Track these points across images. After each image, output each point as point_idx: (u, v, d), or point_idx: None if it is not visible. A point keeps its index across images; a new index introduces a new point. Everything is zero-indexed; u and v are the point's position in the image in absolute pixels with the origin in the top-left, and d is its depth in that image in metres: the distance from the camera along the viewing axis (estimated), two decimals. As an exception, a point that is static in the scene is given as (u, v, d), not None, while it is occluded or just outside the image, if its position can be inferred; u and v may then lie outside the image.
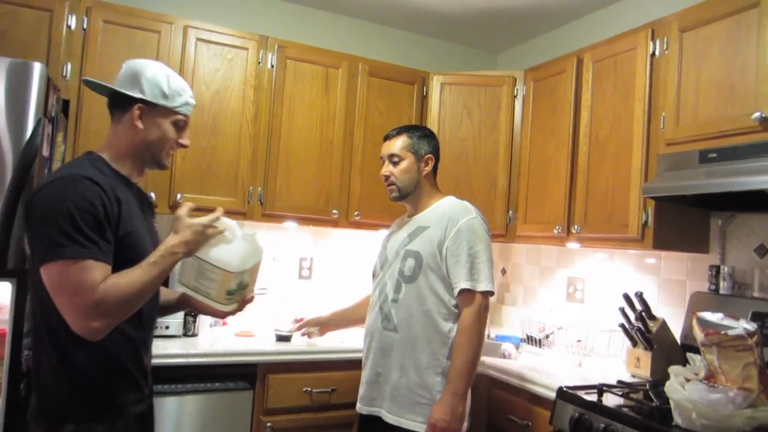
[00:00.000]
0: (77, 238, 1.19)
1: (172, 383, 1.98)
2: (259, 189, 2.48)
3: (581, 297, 2.70)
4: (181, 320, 2.23)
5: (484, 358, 2.29)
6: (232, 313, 1.53)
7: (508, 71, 2.88)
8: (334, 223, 2.67)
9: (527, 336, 2.63)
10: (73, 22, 2.13)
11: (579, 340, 2.42)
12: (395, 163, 1.90)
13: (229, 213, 2.42)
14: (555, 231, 2.43)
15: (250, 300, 1.55)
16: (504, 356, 2.49)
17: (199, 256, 1.39)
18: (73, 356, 1.26)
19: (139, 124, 1.36)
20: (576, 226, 2.34)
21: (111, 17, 2.20)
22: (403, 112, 2.82)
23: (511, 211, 2.74)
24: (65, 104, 2.01)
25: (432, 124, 2.84)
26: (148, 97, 1.36)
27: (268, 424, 2.14)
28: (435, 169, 1.97)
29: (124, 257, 1.28)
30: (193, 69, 2.35)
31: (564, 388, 1.86)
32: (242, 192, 2.44)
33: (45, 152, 1.67)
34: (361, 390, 1.89)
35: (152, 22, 2.28)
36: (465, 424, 1.77)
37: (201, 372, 2.05)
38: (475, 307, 1.74)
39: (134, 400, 1.36)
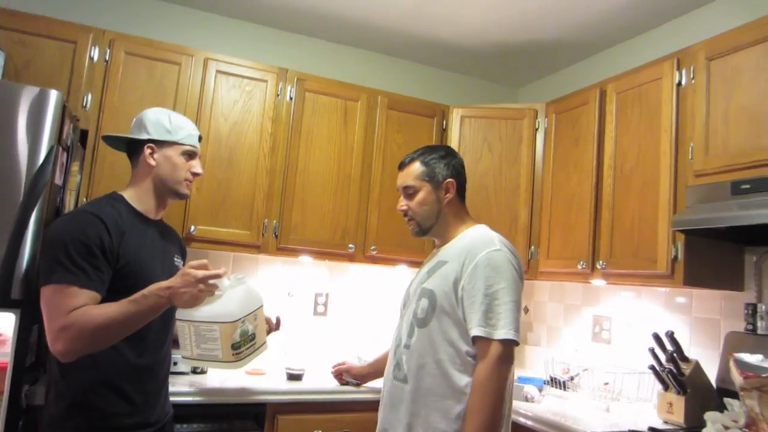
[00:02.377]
0: (67, 265, 1.29)
1: (178, 422, 1.89)
2: (275, 222, 2.45)
3: (608, 337, 2.57)
4: (191, 355, 2.16)
5: (505, 402, 2.17)
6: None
7: (529, 104, 2.85)
8: (350, 258, 2.61)
9: (551, 378, 2.49)
10: (96, 53, 2.16)
11: (606, 383, 2.28)
12: (410, 196, 1.64)
13: (243, 246, 2.42)
14: (579, 267, 2.33)
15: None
16: (527, 399, 2.36)
17: (191, 319, 1.34)
18: (72, 377, 1.35)
19: (152, 161, 1.52)
20: (601, 262, 2.24)
21: (133, 49, 2.24)
22: (422, 144, 2.77)
23: (533, 247, 2.66)
24: (84, 134, 2.01)
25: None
26: (154, 136, 1.52)
27: (277, 467, 2.03)
28: (461, 192, 1.68)
29: (124, 285, 1.35)
30: (212, 101, 2.37)
31: (592, 435, 1.73)
32: (257, 225, 2.41)
33: (58, 180, 1.66)
34: None
35: (173, 54, 2.31)
36: None
37: (208, 411, 1.97)
38: (491, 359, 1.41)
39: (134, 425, 1.39)
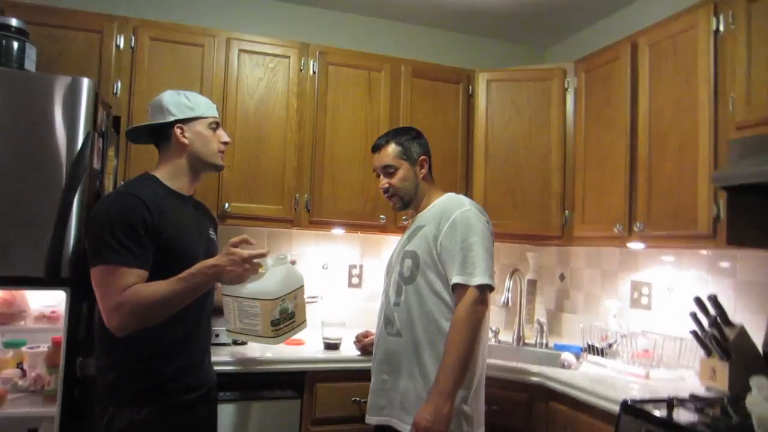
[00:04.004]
0: (114, 246, 1.36)
1: (220, 391, 1.96)
2: (306, 196, 2.48)
3: (647, 303, 2.50)
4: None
5: (542, 368, 2.17)
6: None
7: (557, 63, 2.75)
8: (382, 229, 2.62)
9: (588, 345, 2.46)
10: (121, 41, 2.22)
11: (646, 350, 2.23)
12: (391, 174, 1.83)
13: (276, 221, 2.47)
14: (615, 230, 2.27)
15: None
16: (564, 366, 2.35)
17: (236, 295, 1.42)
18: (119, 348, 1.42)
19: (185, 140, 1.56)
20: (638, 224, 2.17)
21: (156, 34, 2.28)
22: (449, 112, 2.75)
23: (567, 212, 2.60)
24: (117, 120, 2.08)
25: (479, 122, 2.76)
26: (179, 116, 1.55)
27: (317, 433, 2.11)
28: (430, 168, 1.91)
29: (166, 259, 1.43)
30: (237, 80, 2.39)
31: (629, 402, 1.70)
32: (289, 199, 2.45)
33: (96, 165, 1.73)
34: (369, 399, 1.81)
35: (196, 36, 2.34)
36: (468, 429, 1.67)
37: (249, 380, 2.05)
38: (468, 301, 1.61)
39: (181, 389, 1.47)
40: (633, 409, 1.67)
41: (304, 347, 2.33)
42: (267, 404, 2.06)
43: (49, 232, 1.60)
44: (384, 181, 1.85)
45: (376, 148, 1.87)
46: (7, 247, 1.58)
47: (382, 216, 2.57)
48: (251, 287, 1.40)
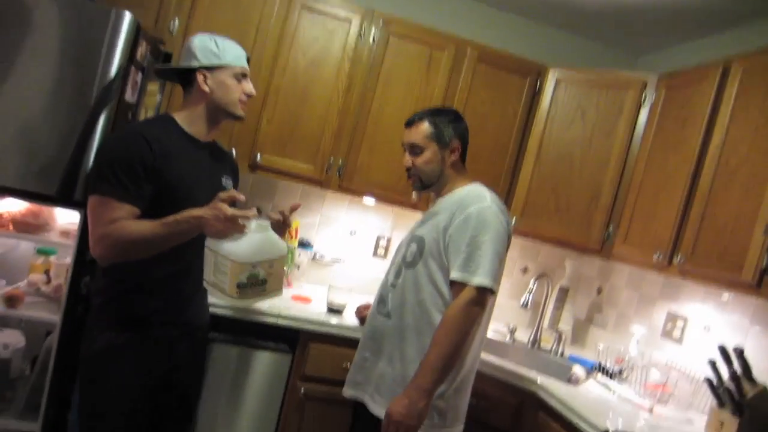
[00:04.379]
0: (110, 179, 1.40)
1: (215, 331, 2.04)
2: (340, 161, 2.49)
3: (679, 336, 2.32)
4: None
5: (542, 378, 2.09)
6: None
7: (639, 73, 2.54)
8: (414, 206, 2.59)
9: (600, 364, 2.33)
10: (184, -20, 2.26)
11: (660, 384, 2.08)
12: (416, 154, 1.73)
13: (305, 180, 2.50)
14: (655, 257, 2.10)
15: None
16: (571, 379, 2.26)
17: (214, 249, 1.42)
18: (108, 276, 1.51)
19: (206, 88, 1.54)
20: (680, 256, 2.00)
21: (220, -23, 2.30)
22: (509, 104, 2.63)
23: (611, 227, 2.43)
24: (168, 57, 2.15)
25: (539, 120, 2.63)
26: (204, 62, 1.54)
27: (302, 389, 2.17)
28: (463, 155, 1.78)
29: (163, 201, 1.45)
30: (294, 36, 2.39)
31: (610, 433, 1.61)
32: (322, 161, 2.46)
33: (130, 98, 1.82)
34: (349, 373, 1.80)
35: (259, -15, 2.35)
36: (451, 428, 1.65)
37: (245, 327, 2.12)
38: (463, 300, 1.53)
39: (161, 322, 1.53)
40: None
41: (309, 306, 2.37)
42: (259, 353, 2.13)
43: (69, 152, 1.69)
44: (408, 159, 1.75)
45: (409, 123, 1.76)
46: (29, 161, 1.68)
47: (414, 193, 2.53)
48: (228, 246, 1.40)
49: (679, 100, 2.24)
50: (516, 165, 2.67)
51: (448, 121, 1.74)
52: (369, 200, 2.65)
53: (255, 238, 1.42)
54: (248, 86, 1.60)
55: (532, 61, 2.66)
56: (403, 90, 2.51)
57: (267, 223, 1.48)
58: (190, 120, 1.57)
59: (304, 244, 2.75)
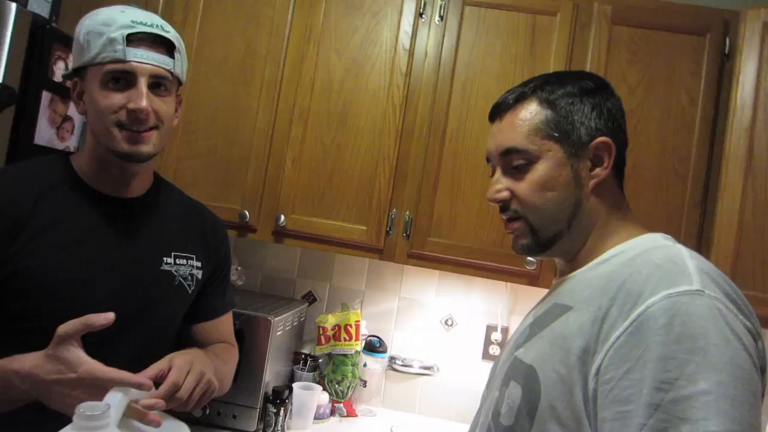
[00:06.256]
0: None
1: None
2: (406, 214, 1.56)
3: None
4: (257, 408, 1.43)
5: None
6: None
7: None
8: (532, 279, 1.55)
9: None
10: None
11: None
12: (518, 170, 0.80)
13: (355, 247, 1.60)
14: None
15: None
16: None
17: None
18: None
19: (79, 108, 0.97)
20: None
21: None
22: (679, 84, 1.55)
23: None
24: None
25: (742, 105, 1.50)
26: (72, 64, 0.96)
27: None
28: (620, 170, 0.82)
29: (12, 304, 0.88)
30: (321, 28, 1.60)
31: None
32: (377, 217, 1.56)
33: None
34: None
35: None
36: None
37: None
38: None
39: None
40: None
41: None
42: None
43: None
44: (500, 184, 0.82)
45: (499, 108, 0.84)
46: None
47: (529, 258, 1.50)
48: None
49: None
50: (706, 192, 1.53)
51: (580, 92, 0.80)
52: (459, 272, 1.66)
53: None
54: (135, 95, 0.90)
55: (707, 7, 1.58)
56: (495, 87, 1.56)
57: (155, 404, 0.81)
58: (84, 162, 0.98)
59: (373, 348, 1.81)
